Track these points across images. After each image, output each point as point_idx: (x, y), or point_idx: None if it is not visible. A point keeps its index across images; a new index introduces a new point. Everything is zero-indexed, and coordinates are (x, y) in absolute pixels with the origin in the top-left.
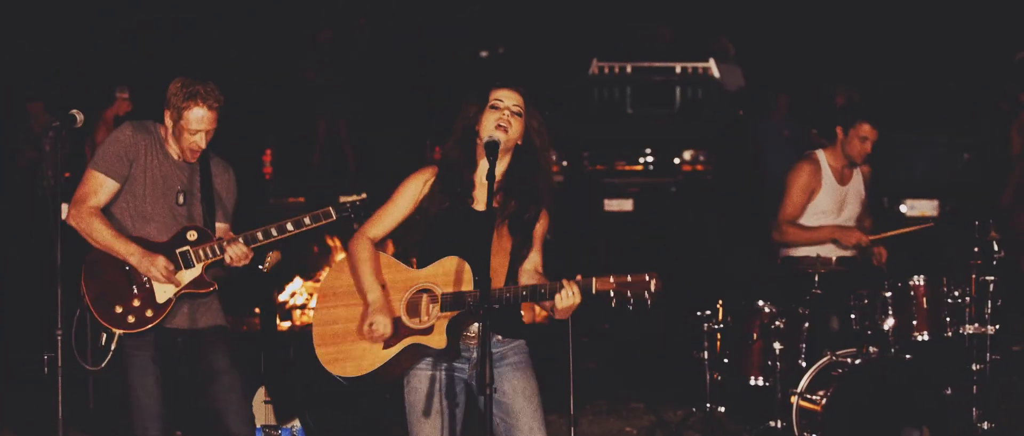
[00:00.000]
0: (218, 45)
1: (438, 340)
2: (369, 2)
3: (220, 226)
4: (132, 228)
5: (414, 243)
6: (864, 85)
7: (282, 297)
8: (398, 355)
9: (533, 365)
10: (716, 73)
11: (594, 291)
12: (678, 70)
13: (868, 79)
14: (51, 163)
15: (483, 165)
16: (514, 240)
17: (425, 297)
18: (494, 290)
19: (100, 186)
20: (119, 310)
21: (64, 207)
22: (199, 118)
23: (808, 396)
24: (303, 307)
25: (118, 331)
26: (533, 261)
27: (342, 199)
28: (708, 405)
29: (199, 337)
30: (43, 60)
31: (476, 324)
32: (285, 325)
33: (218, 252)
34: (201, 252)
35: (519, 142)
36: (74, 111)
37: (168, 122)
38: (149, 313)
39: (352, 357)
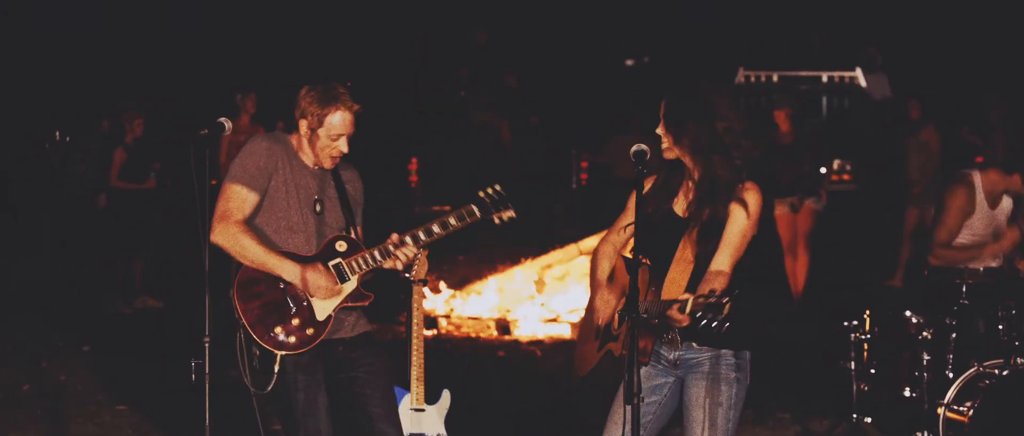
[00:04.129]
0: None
1: (618, 347)
2: (514, 11)
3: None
4: (279, 242)
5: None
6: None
7: (428, 305)
8: (601, 359)
9: (729, 378)
10: (863, 82)
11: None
12: (825, 79)
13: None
14: (198, 173)
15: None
16: (701, 247)
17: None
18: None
19: (244, 200)
20: (279, 331)
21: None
22: (341, 122)
23: (955, 407)
24: (448, 316)
25: (280, 353)
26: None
27: (480, 193)
28: (855, 416)
29: (354, 344)
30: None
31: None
32: (430, 333)
33: (373, 262)
34: (354, 264)
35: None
36: (222, 119)
37: (303, 129)
38: (310, 331)
39: (582, 359)
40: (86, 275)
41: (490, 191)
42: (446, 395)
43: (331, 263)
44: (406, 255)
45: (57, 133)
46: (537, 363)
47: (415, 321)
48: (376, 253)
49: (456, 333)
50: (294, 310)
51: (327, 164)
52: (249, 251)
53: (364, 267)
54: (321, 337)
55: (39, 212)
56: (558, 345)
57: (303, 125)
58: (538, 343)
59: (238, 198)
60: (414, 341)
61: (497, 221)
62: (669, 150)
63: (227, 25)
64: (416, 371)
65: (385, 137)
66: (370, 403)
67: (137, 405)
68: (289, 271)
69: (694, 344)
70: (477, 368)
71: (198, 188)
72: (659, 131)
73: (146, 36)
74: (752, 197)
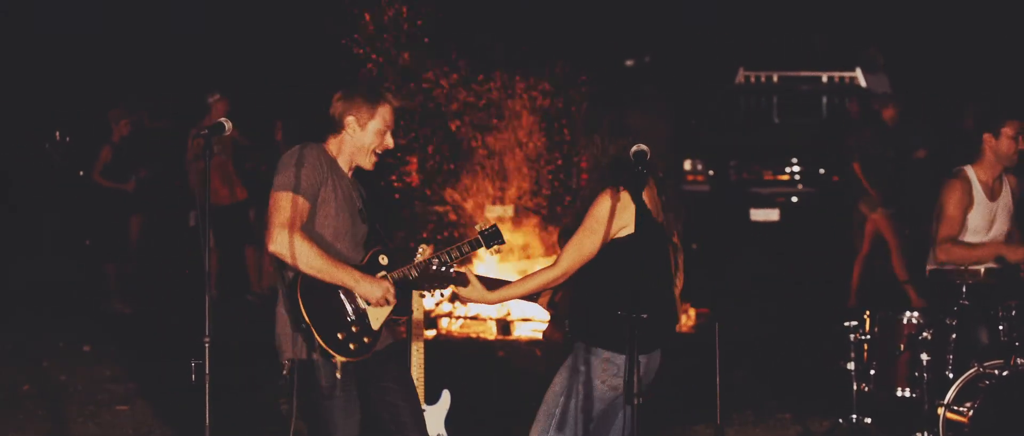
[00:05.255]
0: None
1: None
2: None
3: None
4: (329, 248)
5: None
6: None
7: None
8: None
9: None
10: (863, 82)
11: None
12: (825, 79)
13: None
14: (199, 174)
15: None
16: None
17: None
18: None
19: (303, 209)
20: (341, 337)
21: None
22: (390, 116)
23: (955, 408)
24: (450, 314)
25: (341, 359)
26: None
27: (477, 228)
28: (855, 416)
29: (386, 354)
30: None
31: None
32: (431, 333)
33: (413, 275)
34: (398, 276)
35: None
36: (223, 119)
37: (351, 129)
38: (366, 340)
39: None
40: (85, 275)
41: (486, 229)
42: (446, 395)
43: (378, 275)
44: (443, 284)
45: (57, 133)
46: (537, 363)
47: (415, 321)
48: (413, 269)
49: (456, 333)
50: (354, 318)
51: (368, 164)
52: (311, 260)
53: (409, 278)
54: (375, 347)
55: (39, 212)
56: (559, 345)
57: (351, 124)
58: (538, 343)
59: (295, 207)
60: (414, 341)
61: (493, 252)
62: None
63: (227, 25)
64: (416, 371)
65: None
66: (401, 413)
67: (137, 405)
68: (352, 279)
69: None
70: (477, 368)
71: (202, 187)
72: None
73: (146, 36)
74: (597, 203)
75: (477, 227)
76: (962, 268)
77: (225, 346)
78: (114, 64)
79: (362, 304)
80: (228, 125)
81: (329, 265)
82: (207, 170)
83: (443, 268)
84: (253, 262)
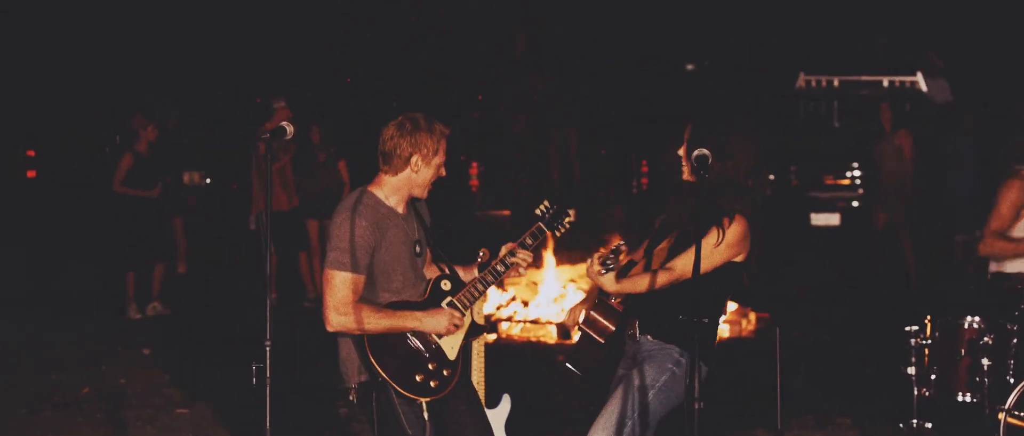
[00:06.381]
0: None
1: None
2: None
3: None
4: (390, 296)
5: None
6: None
7: (488, 308)
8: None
9: (665, 366)
10: (924, 87)
11: None
12: (886, 83)
13: None
14: (262, 176)
15: None
16: (669, 255)
17: None
18: None
19: (353, 285)
20: (420, 379)
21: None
22: (444, 145)
23: (1016, 413)
24: (510, 319)
25: (425, 400)
26: None
27: (537, 211)
28: (915, 421)
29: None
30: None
31: None
32: (491, 337)
33: (483, 287)
34: (465, 298)
35: None
36: (285, 123)
37: (415, 165)
38: (446, 372)
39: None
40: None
41: (543, 208)
42: (506, 399)
43: (444, 302)
44: (524, 260)
45: (117, 137)
46: (597, 366)
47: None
48: (481, 282)
49: (516, 337)
50: (428, 356)
51: (424, 194)
52: (374, 323)
53: (476, 296)
54: (457, 376)
55: (91, 218)
56: (605, 335)
57: (416, 163)
58: (599, 346)
59: (347, 286)
60: (475, 344)
61: (559, 233)
62: (684, 172)
63: (227, 25)
64: (477, 375)
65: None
66: (466, 429)
67: (197, 408)
68: (415, 321)
69: (649, 337)
70: (537, 372)
71: (266, 188)
72: (680, 153)
73: (146, 36)
74: (733, 227)
75: (537, 212)
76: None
77: (283, 350)
78: (114, 64)
79: (434, 339)
80: (290, 129)
81: (391, 318)
82: (269, 174)
83: (526, 248)
84: (307, 268)
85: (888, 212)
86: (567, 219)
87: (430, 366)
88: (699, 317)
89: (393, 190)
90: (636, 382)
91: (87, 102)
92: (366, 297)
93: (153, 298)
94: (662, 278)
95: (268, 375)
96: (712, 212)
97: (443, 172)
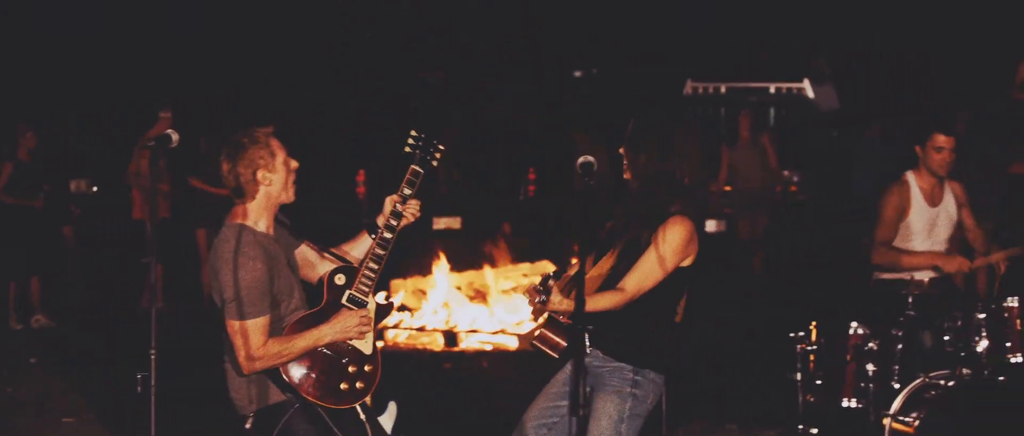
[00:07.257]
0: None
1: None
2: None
3: (310, 248)
4: (289, 317)
5: None
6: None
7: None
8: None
9: (623, 392)
10: (810, 93)
11: None
12: (772, 90)
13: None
14: (152, 179)
15: None
16: (616, 264)
17: None
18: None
19: (263, 328)
20: (346, 387)
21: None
22: (275, 137)
23: (901, 418)
24: (396, 326)
25: (358, 404)
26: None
27: (406, 149)
28: (801, 426)
29: None
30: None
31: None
32: (378, 344)
33: (376, 266)
34: (362, 286)
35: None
36: (170, 131)
37: (268, 180)
38: (368, 368)
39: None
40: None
41: (411, 142)
42: (392, 406)
43: (343, 299)
44: (413, 212)
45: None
46: (484, 375)
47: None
48: (373, 259)
49: (403, 344)
50: (346, 360)
51: (292, 196)
52: (288, 354)
53: (373, 277)
54: (380, 367)
55: None
56: (504, 356)
57: (263, 175)
58: (485, 355)
59: (258, 331)
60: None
61: (434, 163)
62: (625, 171)
63: (227, 25)
64: None
65: (333, 151)
66: None
67: (85, 417)
68: (321, 335)
69: (599, 352)
70: (423, 380)
71: (152, 192)
72: (621, 151)
73: (146, 36)
74: (674, 232)
75: (406, 149)
76: (908, 279)
77: (170, 357)
78: (114, 64)
79: (346, 343)
80: (175, 137)
81: (304, 340)
82: (154, 183)
83: (389, 234)
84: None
85: (747, 219)
86: (436, 150)
87: (351, 369)
88: (584, 325)
89: (259, 214)
90: (603, 420)
91: (87, 101)
92: (272, 327)
93: (35, 310)
94: (615, 299)
95: (153, 382)
96: (655, 213)
97: (295, 163)
